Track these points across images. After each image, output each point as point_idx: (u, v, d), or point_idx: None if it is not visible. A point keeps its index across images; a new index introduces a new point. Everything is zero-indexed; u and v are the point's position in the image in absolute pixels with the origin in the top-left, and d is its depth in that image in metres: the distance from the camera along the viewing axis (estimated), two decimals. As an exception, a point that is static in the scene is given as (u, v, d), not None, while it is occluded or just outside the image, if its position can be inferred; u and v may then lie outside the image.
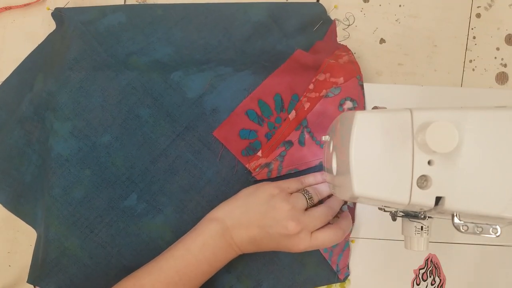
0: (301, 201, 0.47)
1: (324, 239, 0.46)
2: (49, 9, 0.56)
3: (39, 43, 0.56)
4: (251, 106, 0.53)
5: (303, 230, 0.45)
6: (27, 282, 0.51)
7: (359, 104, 0.53)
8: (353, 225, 0.53)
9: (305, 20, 0.56)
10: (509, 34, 0.58)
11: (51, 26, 0.56)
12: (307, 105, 0.53)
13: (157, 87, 0.53)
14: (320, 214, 0.47)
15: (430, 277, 0.54)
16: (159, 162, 0.53)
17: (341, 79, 0.52)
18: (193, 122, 0.53)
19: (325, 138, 0.49)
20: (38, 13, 0.57)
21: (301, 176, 0.51)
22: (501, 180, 0.34)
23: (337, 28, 0.57)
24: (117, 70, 0.53)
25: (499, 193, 0.33)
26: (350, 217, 0.51)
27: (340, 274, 0.53)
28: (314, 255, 0.53)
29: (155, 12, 0.56)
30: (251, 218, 0.46)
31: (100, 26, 0.55)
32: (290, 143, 0.53)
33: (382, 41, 0.58)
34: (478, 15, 0.58)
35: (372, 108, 0.52)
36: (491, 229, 0.35)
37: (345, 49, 0.55)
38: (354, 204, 0.54)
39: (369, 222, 0.54)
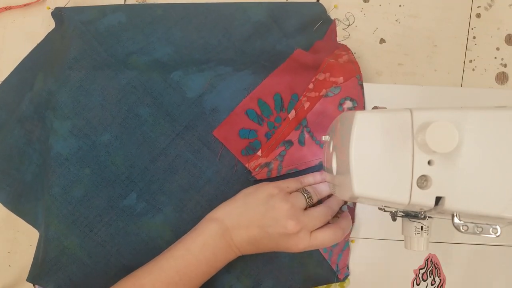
0: (300, 201, 0.47)
1: (324, 238, 0.46)
2: (49, 8, 0.56)
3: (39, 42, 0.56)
4: (251, 106, 0.53)
5: (302, 230, 0.45)
6: (26, 280, 0.51)
7: (359, 103, 0.53)
8: (353, 225, 0.53)
9: (305, 20, 0.56)
10: (509, 34, 0.58)
11: (51, 26, 0.57)
12: (306, 105, 0.53)
13: (156, 86, 0.53)
14: (319, 213, 0.47)
15: (430, 277, 0.54)
16: (158, 161, 0.53)
17: (341, 79, 0.52)
18: (193, 121, 0.53)
19: (325, 138, 0.49)
20: (38, 13, 0.57)
21: (300, 176, 0.51)
22: (501, 180, 0.34)
23: (337, 28, 0.57)
24: (117, 70, 0.53)
25: (499, 193, 0.33)
26: (350, 217, 0.51)
27: (339, 274, 0.53)
28: (314, 255, 0.53)
29: (155, 12, 0.56)
30: (250, 218, 0.46)
31: (100, 26, 0.55)
32: (290, 143, 0.53)
33: (382, 41, 0.58)
34: (478, 15, 0.58)
35: (372, 108, 0.52)
36: (491, 229, 0.35)
37: (345, 48, 0.55)
38: (354, 204, 0.54)
39: (369, 222, 0.54)
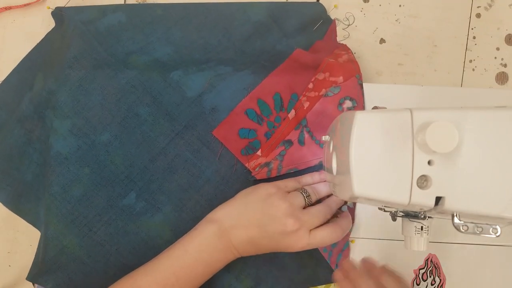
0: (299, 199, 0.47)
1: (323, 236, 0.46)
2: (49, 8, 0.56)
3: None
4: (251, 105, 0.53)
5: (301, 227, 0.45)
6: (26, 279, 0.51)
7: (359, 103, 0.53)
8: (353, 225, 0.53)
9: (305, 20, 0.56)
10: (509, 34, 0.58)
11: (51, 26, 0.57)
12: (306, 104, 0.53)
13: (156, 86, 0.53)
14: (318, 212, 0.47)
15: (430, 277, 0.54)
16: (158, 160, 0.53)
17: (341, 78, 0.52)
18: (192, 121, 0.53)
19: (325, 138, 0.49)
20: (38, 13, 0.57)
21: (299, 176, 0.51)
22: (501, 180, 0.33)
23: (337, 28, 0.57)
24: (117, 69, 0.53)
25: (499, 193, 0.33)
26: (350, 216, 0.51)
27: (339, 274, 0.53)
28: (313, 254, 0.53)
29: (155, 11, 0.56)
30: (249, 217, 0.46)
31: (100, 26, 0.55)
32: (290, 143, 0.53)
33: (382, 41, 0.58)
34: (478, 15, 0.58)
35: (372, 108, 0.52)
36: (491, 229, 0.35)
37: (345, 48, 0.55)
38: (354, 204, 0.54)
39: (369, 222, 0.54)
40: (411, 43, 0.57)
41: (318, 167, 0.53)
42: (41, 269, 0.51)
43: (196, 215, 0.52)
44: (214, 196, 0.53)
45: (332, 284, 0.54)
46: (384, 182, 0.34)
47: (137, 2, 0.57)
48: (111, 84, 0.53)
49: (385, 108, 0.48)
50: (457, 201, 0.34)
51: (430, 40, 0.57)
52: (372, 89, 0.54)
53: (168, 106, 0.53)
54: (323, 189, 0.50)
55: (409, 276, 0.54)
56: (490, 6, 0.58)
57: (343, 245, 0.53)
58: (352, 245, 0.54)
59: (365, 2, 0.58)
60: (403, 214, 0.42)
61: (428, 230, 0.41)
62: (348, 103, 0.52)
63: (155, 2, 0.57)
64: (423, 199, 0.34)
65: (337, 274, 0.47)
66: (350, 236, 0.54)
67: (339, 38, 0.57)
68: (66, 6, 0.56)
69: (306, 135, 0.53)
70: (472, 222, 0.35)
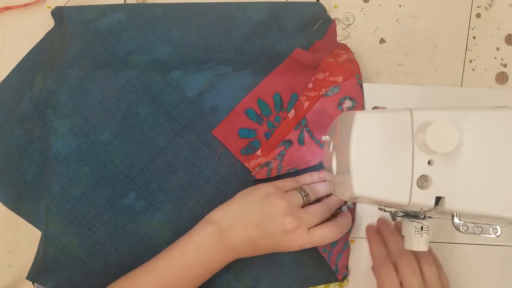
0: (297, 198, 0.47)
1: (322, 234, 0.46)
2: (49, 7, 0.56)
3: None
4: (250, 105, 0.53)
5: (300, 226, 0.45)
6: (26, 278, 0.51)
7: (358, 103, 0.53)
8: (353, 225, 0.53)
9: (305, 20, 0.56)
10: (509, 34, 0.58)
11: (51, 26, 0.57)
12: (306, 104, 0.53)
13: (156, 85, 0.53)
14: (316, 210, 0.47)
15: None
16: (158, 160, 0.53)
17: (340, 78, 0.52)
18: (192, 120, 0.53)
19: (325, 138, 0.49)
20: (38, 13, 0.57)
21: (297, 176, 0.51)
22: (501, 180, 0.34)
23: (337, 28, 0.57)
24: (117, 69, 0.53)
25: (499, 193, 0.33)
26: (350, 215, 0.51)
27: (338, 274, 0.53)
28: (313, 254, 0.53)
29: (155, 11, 0.56)
30: (248, 217, 0.46)
31: (100, 25, 0.55)
32: (290, 142, 0.53)
33: (382, 41, 0.58)
34: (478, 15, 0.58)
35: (372, 108, 0.52)
36: (491, 229, 0.35)
37: (345, 47, 0.55)
38: (354, 204, 0.54)
39: (369, 222, 0.54)
40: (411, 43, 0.57)
41: (318, 167, 0.53)
42: (41, 269, 0.51)
43: (196, 214, 0.52)
44: (214, 196, 0.53)
45: (332, 284, 0.54)
46: (384, 182, 0.34)
47: (137, 2, 0.57)
48: (111, 84, 0.53)
49: (385, 108, 0.48)
50: (457, 201, 0.34)
51: (430, 40, 0.57)
52: (372, 89, 0.54)
53: (168, 106, 0.53)
54: (322, 188, 0.50)
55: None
56: (490, 6, 0.58)
57: (343, 245, 0.53)
58: (352, 245, 0.54)
59: (365, 2, 0.58)
60: (403, 214, 0.42)
61: (428, 230, 0.41)
62: (348, 103, 0.52)
63: (155, 2, 0.57)
64: (423, 199, 0.34)
65: (369, 227, 0.50)
66: (350, 236, 0.54)
67: (339, 38, 0.57)
68: (66, 5, 0.56)
69: (306, 135, 0.53)
70: (472, 222, 0.35)
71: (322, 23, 0.56)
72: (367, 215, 0.54)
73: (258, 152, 0.53)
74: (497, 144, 0.34)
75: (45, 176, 0.53)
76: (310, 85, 0.53)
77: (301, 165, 0.53)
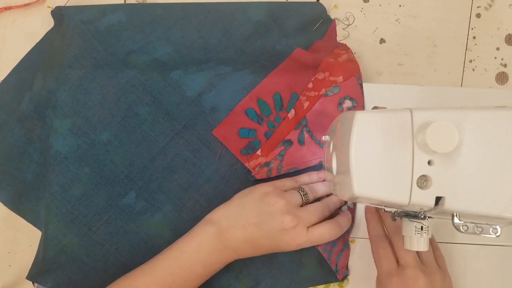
0: (296, 197, 0.47)
1: (321, 233, 0.46)
2: (49, 7, 0.56)
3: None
4: (250, 105, 0.53)
5: (299, 224, 0.45)
6: (26, 278, 0.51)
7: (358, 103, 0.53)
8: (353, 225, 0.53)
9: (305, 20, 0.56)
10: (509, 34, 0.58)
11: (51, 25, 0.57)
12: (306, 104, 0.53)
13: (156, 85, 0.53)
14: (315, 209, 0.47)
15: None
16: (157, 160, 0.53)
17: (340, 78, 0.52)
18: (192, 120, 0.53)
19: (325, 138, 0.49)
20: (38, 13, 0.57)
21: (296, 176, 0.52)
22: (501, 180, 0.34)
23: (337, 28, 0.57)
24: (117, 69, 0.53)
25: (499, 193, 0.33)
26: (349, 214, 0.51)
27: (338, 274, 0.53)
28: (313, 254, 0.53)
29: (154, 11, 0.56)
30: (247, 217, 0.46)
31: (100, 25, 0.55)
32: (290, 142, 0.53)
33: (382, 41, 0.58)
34: (478, 15, 0.58)
35: (372, 108, 0.52)
36: (491, 229, 0.35)
37: (345, 47, 0.55)
38: (354, 204, 0.54)
39: (368, 222, 0.54)
40: (411, 43, 0.57)
41: (318, 167, 0.53)
42: (41, 269, 0.51)
43: (196, 214, 0.52)
44: (213, 196, 0.53)
45: (332, 284, 0.54)
46: (384, 182, 0.34)
47: (137, 2, 0.57)
48: (111, 84, 0.53)
49: (385, 108, 0.48)
50: (457, 201, 0.34)
51: (430, 40, 0.57)
52: (372, 89, 0.54)
53: (168, 106, 0.53)
54: (321, 188, 0.50)
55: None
56: (490, 6, 0.58)
57: (342, 245, 0.53)
58: (352, 245, 0.54)
59: (365, 2, 0.58)
60: (403, 214, 0.42)
61: (428, 230, 0.41)
62: (348, 103, 0.52)
63: (155, 2, 0.57)
64: (423, 199, 0.34)
65: (367, 207, 0.51)
66: (350, 236, 0.54)
67: (339, 38, 0.57)
68: (66, 5, 0.56)
69: (306, 135, 0.53)
70: (472, 222, 0.35)
71: (322, 23, 0.56)
72: (367, 215, 0.54)
73: (258, 152, 0.53)
74: (497, 144, 0.34)
75: (45, 176, 0.53)
76: (310, 85, 0.53)
77: (301, 165, 0.53)
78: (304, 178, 0.51)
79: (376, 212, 0.51)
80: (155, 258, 0.47)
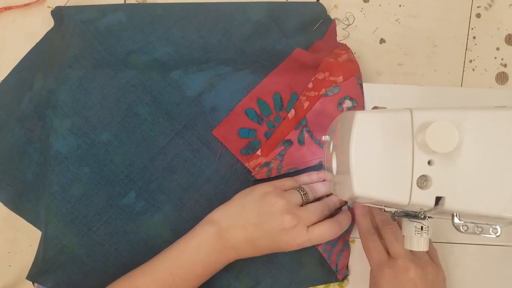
0: (296, 197, 0.47)
1: (321, 232, 0.46)
2: (49, 7, 0.56)
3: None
4: (250, 105, 0.53)
5: (299, 224, 0.45)
6: (26, 278, 0.51)
7: (358, 103, 0.53)
8: (353, 225, 0.53)
9: (305, 20, 0.56)
10: (509, 34, 0.58)
11: (51, 25, 0.57)
12: (306, 104, 0.53)
13: (156, 85, 0.53)
14: (315, 209, 0.47)
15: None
16: (157, 160, 0.53)
17: (340, 78, 0.52)
18: (192, 120, 0.53)
19: (325, 138, 0.49)
20: (38, 13, 0.57)
21: (296, 176, 0.52)
22: (501, 180, 0.33)
23: (337, 28, 0.57)
24: (117, 69, 0.53)
25: (499, 193, 0.33)
26: (349, 214, 0.51)
27: (338, 274, 0.53)
28: (313, 254, 0.53)
29: (154, 11, 0.56)
30: (247, 217, 0.46)
31: (100, 25, 0.55)
32: (290, 142, 0.53)
33: (382, 41, 0.58)
34: (478, 15, 0.58)
35: (372, 108, 0.52)
36: (491, 229, 0.35)
37: (345, 47, 0.55)
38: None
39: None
40: (411, 43, 0.57)
41: (318, 167, 0.53)
42: (41, 268, 0.51)
43: (196, 214, 0.52)
44: (213, 196, 0.53)
45: (332, 284, 0.54)
46: (384, 182, 0.34)
47: (137, 2, 0.57)
48: (111, 84, 0.53)
49: (385, 108, 0.48)
50: (457, 201, 0.34)
51: (430, 40, 0.57)
52: (372, 89, 0.54)
53: (168, 106, 0.53)
54: (321, 188, 0.50)
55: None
56: (490, 6, 0.58)
57: (343, 245, 0.53)
58: (352, 245, 0.54)
59: (365, 2, 0.58)
60: (403, 214, 0.42)
61: (428, 230, 0.41)
62: (348, 103, 0.52)
63: (155, 2, 0.57)
64: (423, 199, 0.34)
65: (356, 203, 0.51)
66: (350, 236, 0.54)
67: (339, 38, 0.57)
68: (66, 5, 0.56)
69: (306, 135, 0.53)
70: (472, 222, 0.35)
71: (322, 23, 0.56)
72: (367, 215, 0.54)
73: (258, 152, 0.53)
74: (497, 144, 0.34)
75: (45, 176, 0.53)
76: (310, 85, 0.53)
77: (301, 165, 0.53)
78: (304, 178, 0.51)
79: (364, 207, 0.51)
80: (155, 258, 0.47)
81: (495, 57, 0.57)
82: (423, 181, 0.34)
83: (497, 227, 0.35)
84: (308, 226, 0.46)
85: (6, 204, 0.55)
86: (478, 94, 0.55)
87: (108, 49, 0.54)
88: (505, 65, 0.57)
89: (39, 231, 0.55)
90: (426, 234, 0.41)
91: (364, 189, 0.35)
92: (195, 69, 0.54)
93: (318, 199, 0.50)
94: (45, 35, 0.57)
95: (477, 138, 0.34)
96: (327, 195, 0.51)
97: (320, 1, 0.57)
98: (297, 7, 0.56)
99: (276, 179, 0.51)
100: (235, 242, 0.46)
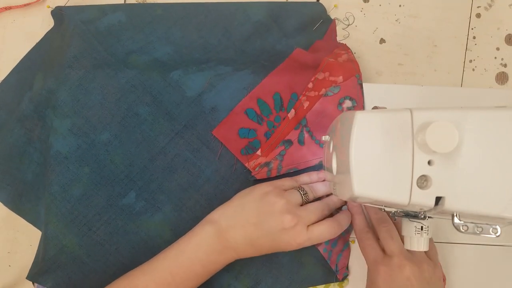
0: (296, 197, 0.47)
1: (321, 231, 0.46)
2: (49, 7, 0.56)
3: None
4: (250, 105, 0.53)
5: (299, 223, 0.45)
6: (26, 278, 0.51)
7: (358, 103, 0.53)
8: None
9: (305, 20, 0.56)
10: (509, 34, 0.58)
11: (51, 25, 0.57)
12: (306, 104, 0.53)
13: (156, 85, 0.53)
14: (315, 208, 0.47)
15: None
16: (157, 160, 0.53)
17: (340, 78, 0.52)
18: (192, 120, 0.53)
19: (325, 138, 0.49)
20: (38, 13, 0.57)
21: (296, 176, 0.52)
22: (501, 180, 0.34)
23: (337, 28, 0.57)
24: (117, 69, 0.53)
25: (499, 193, 0.33)
26: (349, 213, 0.51)
27: (338, 274, 0.53)
28: (313, 254, 0.53)
29: (154, 11, 0.56)
30: (247, 217, 0.46)
31: (100, 25, 0.55)
32: (290, 142, 0.53)
33: (382, 41, 0.58)
34: (478, 15, 0.58)
35: (372, 108, 0.52)
36: (491, 229, 0.35)
37: (345, 47, 0.55)
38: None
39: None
40: (411, 43, 0.57)
41: (318, 167, 0.53)
42: (41, 269, 0.51)
43: (196, 214, 0.52)
44: (213, 196, 0.53)
45: (332, 284, 0.54)
46: (384, 182, 0.34)
47: (137, 2, 0.57)
48: (111, 84, 0.53)
49: (385, 108, 0.48)
50: (457, 201, 0.34)
51: (430, 40, 0.57)
52: (372, 89, 0.54)
53: (168, 106, 0.53)
54: (321, 188, 0.50)
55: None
56: (490, 6, 0.58)
57: (343, 245, 0.53)
58: (352, 246, 0.54)
59: (365, 2, 0.58)
60: (403, 214, 0.42)
61: (428, 230, 0.41)
62: (348, 103, 0.52)
63: (155, 2, 0.57)
64: (423, 199, 0.34)
65: (351, 202, 0.51)
66: (351, 236, 0.54)
67: (339, 38, 0.57)
68: (66, 5, 0.56)
69: (306, 135, 0.53)
70: (472, 222, 0.35)
71: (322, 23, 0.56)
72: (367, 215, 0.54)
73: (258, 152, 0.53)
74: (497, 144, 0.34)
75: (45, 176, 0.53)
76: (310, 85, 0.53)
77: (301, 165, 0.53)
78: (304, 178, 0.51)
79: (359, 206, 0.51)
80: (154, 258, 0.47)
81: (495, 57, 0.58)
82: (423, 181, 0.34)
83: (497, 227, 0.35)
84: (308, 226, 0.46)
85: (6, 204, 0.55)
86: (478, 94, 0.55)
87: (108, 49, 0.54)
88: (505, 65, 0.57)
89: (39, 231, 0.55)
90: (426, 234, 0.41)
91: (364, 189, 0.35)
92: (195, 69, 0.54)
93: (318, 199, 0.50)
94: (45, 35, 0.57)
95: (477, 138, 0.34)
96: (327, 195, 0.51)
97: (320, 1, 0.57)
98: (297, 7, 0.56)
99: (276, 179, 0.51)
100: (234, 242, 0.46)
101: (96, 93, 0.53)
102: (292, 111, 0.53)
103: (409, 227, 0.42)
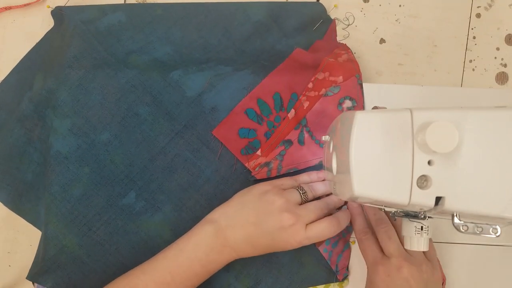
0: (295, 196, 0.47)
1: (320, 229, 0.46)
2: (49, 7, 0.56)
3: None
4: (250, 105, 0.53)
5: (298, 222, 0.45)
6: (26, 278, 0.51)
7: (358, 103, 0.53)
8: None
9: (305, 20, 0.56)
10: (509, 34, 0.58)
11: (51, 25, 0.57)
12: (306, 104, 0.53)
13: (156, 85, 0.53)
14: (314, 207, 0.47)
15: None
16: (157, 160, 0.53)
17: (340, 78, 0.52)
18: (192, 120, 0.53)
19: (325, 138, 0.49)
20: (38, 13, 0.57)
21: (296, 175, 0.52)
22: (501, 180, 0.33)
23: (337, 28, 0.57)
24: (117, 69, 0.53)
25: (499, 193, 0.33)
26: (349, 212, 0.51)
27: (339, 274, 0.53)
28: (313, 254, 0.53)
29: (154, 11, 0.56)
30: (246, 216, 0.46)
31: (100, 25, 0.55)
32: (290, 142, 0.53)
33: (382, 41, 0.58)
34: (478, 15, 0.58)
35: (372, 108, 0.52)
36: (491, 229, 0.35)
37: (345, 47, 0.55)
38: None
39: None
40: (411, 43, 0.57)
41: (318, 167, 0.53)
42: (41, 269, 0.51)
43: (196, 214, 0.52)
44: (213, 196, 0.53)
45: (332, 285, 0.54)
46: (384, 182, 0.34)
47: (137, 2, 0.57)
48: (111, 84, 0.53)
49: (385, 108, 0.48)
50: (457, 201, 0.34)
51: (430, 40, 0.57)
52: (372, 89, 0.54)
53: (168, 106, 0.53)
54: (320, 187, 0.50)
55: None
56: (490, 6, 0.58)
57: (343, 246, 0.53)
58: (352, 246, 0.54)
59: (365, 2, 0.58)
60: (403, 214, 0.42)
61: (428, 230, 0.41)
62: (348, 103, 0.52)
63: (155, 2, 0.57)
64: (423, 199, 0.34)
65: (351, 203, 0.51)
66: (351, 236, 0.54)
67: (339, 38, 0.57)
68: (66, 5, 0.56)
69: (306, 135, 0.53)
70: (472, 222, 0.35)
71: (322, 23, 0.56)
72: (367, 215, 0.54)
73: (258, 152, 0.53)
74: (497, 144, 0.34)
75: (45, 176, 0.53)
76: (310, 85, 0.53)
77: (301, 165, 0.53)
78: (304, 177, 0.51)
79: (359, 207, 0.52)
80: (154, 258, 0.47)
81: (495, 57, 0.58)
82: (423, 181, 0.34)
83: (497, 227, 0.35)
84: (307, 224, 0.46)
85: (6, 204, 0.55)
86: (478, 94, 0.55)
87: (108, 49, 0.54)
88: (505, 65, 0.57)
89: (39, 231, 0.55)
90: (426, 234, 0.41)
91: (364, 189, 0.35)
92: (195, 69, 0.54)
93: (317, 198, 0.50)
94: (45, 35, 0.57)
95: (477, 138, 0.34)
96: (327, 195, 0.51)
97: (320, 1, 0.57)
98: (297, 7, 0.56)
99: (276, 179, 0.51)
100: (234, 241, 0.46)
101: (96, 93, 0.53)
102: (292, 111, 0.53)
103: (409, 227, 0.42)
